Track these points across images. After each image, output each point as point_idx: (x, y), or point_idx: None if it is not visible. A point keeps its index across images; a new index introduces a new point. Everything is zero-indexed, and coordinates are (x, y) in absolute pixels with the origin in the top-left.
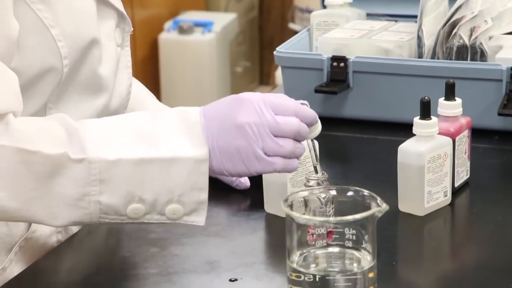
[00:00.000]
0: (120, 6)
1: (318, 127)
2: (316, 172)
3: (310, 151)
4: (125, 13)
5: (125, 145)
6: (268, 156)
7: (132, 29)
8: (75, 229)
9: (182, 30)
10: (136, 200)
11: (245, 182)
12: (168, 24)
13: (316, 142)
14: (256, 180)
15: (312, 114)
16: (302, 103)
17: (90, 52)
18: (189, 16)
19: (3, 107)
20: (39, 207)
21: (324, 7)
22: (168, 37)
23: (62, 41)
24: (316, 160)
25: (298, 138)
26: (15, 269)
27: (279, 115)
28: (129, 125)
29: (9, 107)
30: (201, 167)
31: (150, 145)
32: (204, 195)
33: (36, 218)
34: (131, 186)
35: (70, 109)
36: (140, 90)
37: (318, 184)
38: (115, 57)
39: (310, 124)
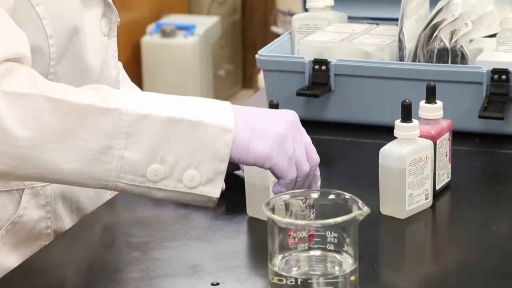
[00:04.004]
0: None
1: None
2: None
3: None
4: (111, 3)
5: (157, 103)
6: (294, 159)
7: (119, 19)
8: (64, 215)
9: (164, 33)
10: (158, 159)
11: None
12: (151, 27)
13: None
14: (236, 184)
15: (315, 179)
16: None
17: (76, 36)
18: (172, 19)
19: (17, 50)
20: (57, 156)
21: (306, 10)
22: (150, 40)
23: (47, 19)
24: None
25: (311, 172)
26: (1, 252)
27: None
28: (155, 93)
29: (23, 52)
30: (226, 136)
31: (181, 107)
32: (224, 165)
33: (50, 163)
34: (156, 143)
35: None
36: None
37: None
38: (101, 46)
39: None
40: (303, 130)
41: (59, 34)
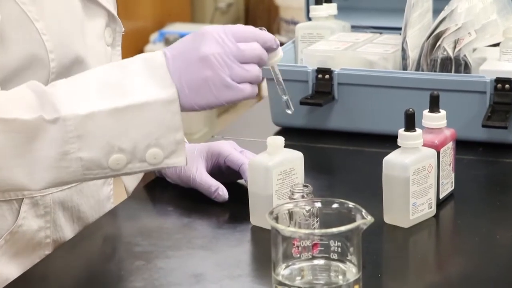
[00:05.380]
0: (109, 7)
1: (279, 52)
2: (287, 107)
3: (276, 79)
4: (115, 14)
5: (95, 98)
6: (237, 83)
7: (124, 29)
8: (64, 225)
9: (168, 42)
10: (116, 150)
11: (224, 194)
12: (154, 36)
13: (301, 156)
14: (240, 193)
15: (271, 37)
16: (260, 29)
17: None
18: (175, 28)
19: None
20: (20, 173)
21: (309, 19)
22: (154, 49)
23: (46, 34)
24: (286, 94)
25: (261, 63)
26: (0, 262)
27: (241, 42)
28: (96, 78)
29: None
30: (171, 107)
31: (119, 94)
32: (180, 134)
33: (17, 184)
34: (109, 136)
35: None
36: None
37: (303, 196)
38: (105, 56)
39: (270, 48)
40: (225, 37)
41: (60, 47)
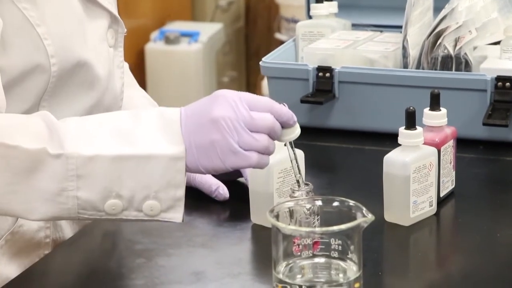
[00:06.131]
0: (111, 8)
1: (296, 129)
2: (299, 185)
3: (291, 158)
4: (117, 15)
5: (103, 142)
6: (244, 150)
7: (126, 30)
8: (64, 225)
9: (168, 40)
10: (113, 195)
11: (224, 193)
12: (155, 34)
13: (302, 154)
14: (240, 191)
15: (287, 112)
16: (281, 104)
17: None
18: (176, 26)
19: None
20: (16, 201)
21: (310, 17)
22: (154, 47)
23: (48, 39)
24: (299, 173)
25: (272, 135)
26: (1, 262)
27: (254, 111)
28: (109, 123)
29: None
30: (177, 164)
31: (127, 142)
32: (181, 192)
33: (12, 211)
34: (108, 182)
35: (64, 108)
36: (140, 97)
37: (304, 194)
38: (107, 58)
39: (286, 123)
40: (239, 103)
41: (61, 52)
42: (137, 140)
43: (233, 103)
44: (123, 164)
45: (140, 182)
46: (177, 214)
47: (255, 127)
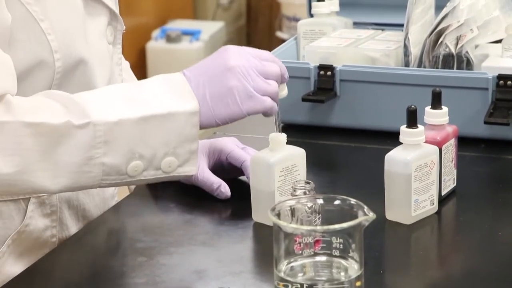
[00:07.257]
0: (111, 4)
1: (285, 88)
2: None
3: (277, 114)
4: (117, 11)
5: (122, 107)
6: (260, 95)
7: (125, 27)
8: (70, 224)
9: (170, 39)
10: (136, 157)
11: (226, 191)
12: (156, 33)
13: (303, 152)
14: (242, 189)
15: (284, 66)
16: None
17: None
18: (177, 25)
19: (1, 88)
20: (43, 177)
21: (311, 15)
22: (156, 45)
23: (51, 34)
24: (279, 128)
25: (278, 83)
26: (7, 262)
27: (262, 60)
28: (119, 91)
29: (7, 89)
30: (192, 119)
31: (143, 105)
32: (195, 144)
33: (39, 187)
34: (133, 144)
35: None
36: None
37: (305, 193)
38: (107, 55)
39: (283, 76)
40: (248, 54)
41: (64, 47)
42: (151, 102)
43: (243, 53)
44: (145, 125)
45: (161, 140)
46: (192, 167)
47: (266, 74)
